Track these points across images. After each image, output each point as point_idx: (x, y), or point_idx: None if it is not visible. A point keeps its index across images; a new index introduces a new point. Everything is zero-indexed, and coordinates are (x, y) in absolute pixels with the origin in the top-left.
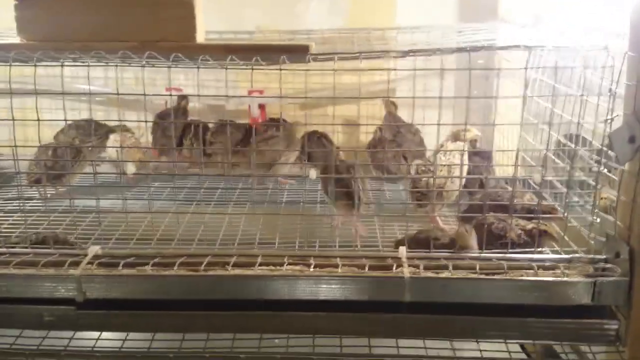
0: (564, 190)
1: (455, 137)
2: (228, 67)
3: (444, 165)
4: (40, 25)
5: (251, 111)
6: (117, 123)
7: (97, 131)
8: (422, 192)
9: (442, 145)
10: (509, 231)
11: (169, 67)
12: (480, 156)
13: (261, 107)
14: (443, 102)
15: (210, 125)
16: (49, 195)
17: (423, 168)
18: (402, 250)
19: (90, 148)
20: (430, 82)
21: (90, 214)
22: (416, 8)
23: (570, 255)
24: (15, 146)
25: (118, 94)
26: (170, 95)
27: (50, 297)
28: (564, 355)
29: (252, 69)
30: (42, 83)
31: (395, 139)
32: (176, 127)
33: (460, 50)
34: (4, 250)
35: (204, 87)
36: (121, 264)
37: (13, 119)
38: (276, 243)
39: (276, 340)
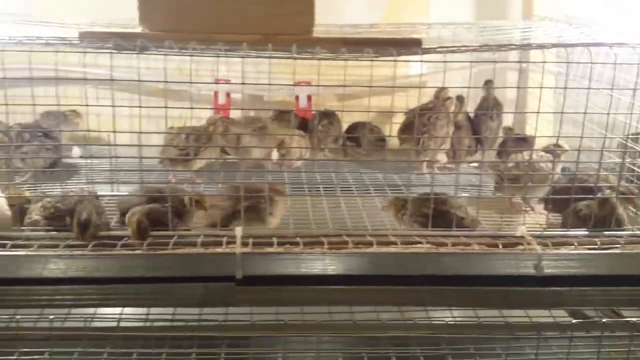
0: None
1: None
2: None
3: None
4: (162, 16)
5: (299, 102)
6: None
7: None
8: (501, 178)
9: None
10: None
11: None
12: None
13: (308, 98)
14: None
15: None
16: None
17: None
18: (523, 229)
19: None
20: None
21: None
22: (448, 4)
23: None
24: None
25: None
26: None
27: (209, 275)
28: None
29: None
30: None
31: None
32: None
33: (588, 44)
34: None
35: (246, 78)
36: (276, 243)
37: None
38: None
39: None
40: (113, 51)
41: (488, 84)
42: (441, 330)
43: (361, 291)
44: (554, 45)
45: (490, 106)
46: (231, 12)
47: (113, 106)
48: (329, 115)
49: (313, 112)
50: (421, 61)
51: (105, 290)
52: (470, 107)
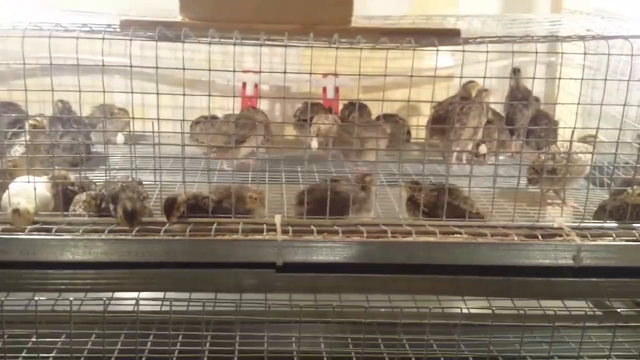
0: None
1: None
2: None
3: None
4: (203, 5)
5: (327, 94)
6: None
7: None
8: (536, 170)
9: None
10: None
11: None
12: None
13: (336, 89)
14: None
15: None
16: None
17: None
18: (560, 221)
19: None
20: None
21: None
22: None
23: None
24: None
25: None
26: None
27: (250, 261)
28: None
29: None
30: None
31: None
32: None
33: None
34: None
35: (273, 69)
36: (315, 231)
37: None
38: None
39: None
40: (158, 40)
41: (516, 72)
42: (482, 319)
43: (399, 279)
44: (594, 38)
45: (521, 96)
46: (271, 1)
47: (157, 94)
48: (358, 107)
49: (344, 103)
50: (463, 51)
51: (148, 275)
52: (500, 99)
